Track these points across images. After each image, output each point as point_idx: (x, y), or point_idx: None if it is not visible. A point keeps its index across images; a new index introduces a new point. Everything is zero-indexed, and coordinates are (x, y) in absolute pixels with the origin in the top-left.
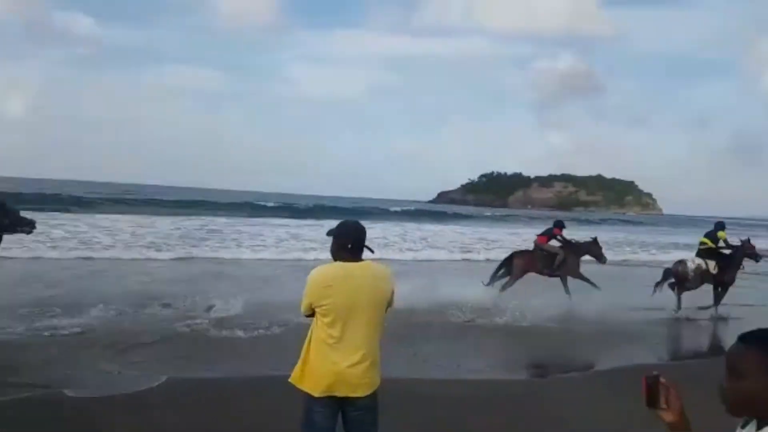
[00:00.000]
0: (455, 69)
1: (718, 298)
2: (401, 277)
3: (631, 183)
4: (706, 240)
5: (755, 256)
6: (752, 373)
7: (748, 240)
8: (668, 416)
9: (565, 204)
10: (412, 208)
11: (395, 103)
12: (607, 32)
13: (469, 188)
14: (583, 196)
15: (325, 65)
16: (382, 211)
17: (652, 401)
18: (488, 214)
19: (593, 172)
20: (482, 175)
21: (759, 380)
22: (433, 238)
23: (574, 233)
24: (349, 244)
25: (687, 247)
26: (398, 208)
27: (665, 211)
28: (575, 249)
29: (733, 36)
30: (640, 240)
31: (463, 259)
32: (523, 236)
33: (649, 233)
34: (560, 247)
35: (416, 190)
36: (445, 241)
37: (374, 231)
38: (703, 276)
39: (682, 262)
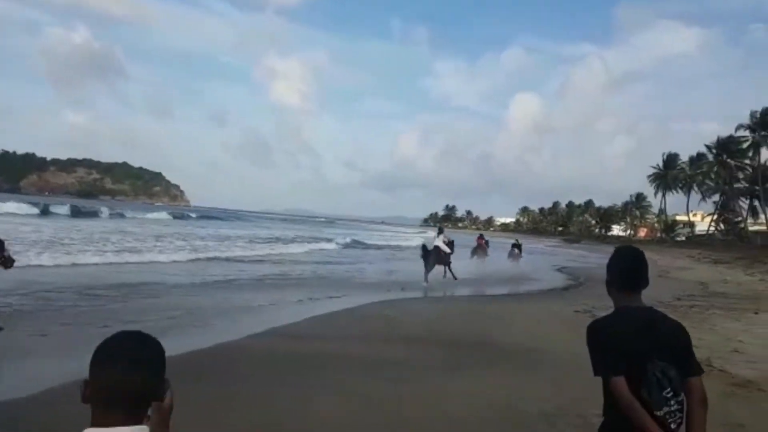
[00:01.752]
0: None
1: None
2: None
3: (159, 174)
4: None
5: None
6: None
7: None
8: None
9: (89, 191)
10: None
11: None
12: (126, 13)
13: None
14: (109, 183)
15: None
16: None
17: None
18: None
19: (119, 160)
20: None
21: None
22: None
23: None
24: None
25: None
26: None
27: (193, 203)
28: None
29: (247, 46)
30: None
31: None
32: None
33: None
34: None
35: None
36: None
37: None
38: None
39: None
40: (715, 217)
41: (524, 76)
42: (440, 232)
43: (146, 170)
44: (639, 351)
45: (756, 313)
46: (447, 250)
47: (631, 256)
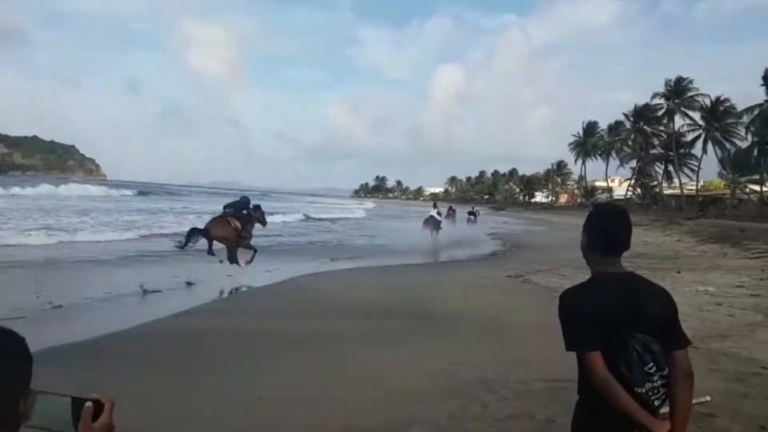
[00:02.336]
0: None
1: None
2: None
3: (72, 147)
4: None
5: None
6: None
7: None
8: None
9: None
10: None
11: None
12: None
13: None
14: (18, 159)
15: None
16: None
17: None
18: None
19: (29, 133)
20: None
21: None
22: None
23: None
24: None
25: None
26: None
27: (110, 177)
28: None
29: (162, 11)
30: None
31: None
32: None
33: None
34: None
35: None
36: None
37: None
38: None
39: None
40: (632, 182)
41: (450, 46)
42: (434, 206)
43: (58, 144)
44: (617, 323)
45: (678, 272)
46: (438, 218)
47: (614, 215)
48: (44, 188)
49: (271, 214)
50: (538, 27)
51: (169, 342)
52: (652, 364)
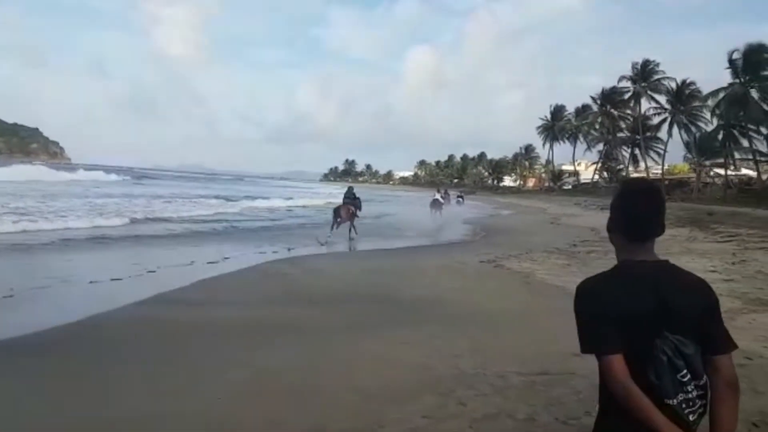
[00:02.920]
0: None
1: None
2: None
3: (36, 129)
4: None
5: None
6: None
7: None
8: None
9: None
10: None
11: None
12: None
13: None
14: None
15: None
16: None
17: None
18: None
19: None
20: None
21: None
22: None
23: None
24: None
25: None
26: None
27: (74, 161)
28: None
29: None
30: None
31: None
32: None
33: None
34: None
35: None
36: None
37: None
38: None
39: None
40: (599, 165)
41: (419, 27)
42: (438, 191)
43: (22, 126)
44: (645, 321)
45: None
46: (441, 201)
47: (642, 192)
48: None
49: (251, 198)
50: (508, 10)
51: (125, 333)
52: (685, 371)
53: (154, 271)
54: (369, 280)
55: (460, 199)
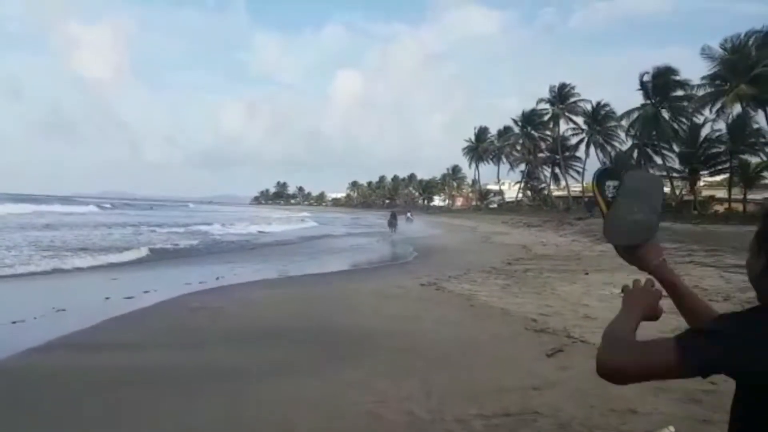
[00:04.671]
0: None
1: None
2: None
3: None
4: None
5: None
6: None
7: None
8: None
9: None
10: None
11: None
12: None
13: None
14: None
15: None
16: None
17: None
18: None
19: None
20: None
21: None
22: None
23: None
24: None
25: None
26: None
27: None
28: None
29: (39, 12)
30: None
31: None
32: None
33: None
34: None
35: None
36: None
37: None
38: None
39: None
40: (523, 185)
41: (345, 52)
42: (391, 213)
43: None
44: None
45: (587, 274)
46: (395, 220)
47: None
48: None
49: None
50: (429, 36)
51: (9, 387)
52: None
53: (65, 310)
54: (304, 311)
55: (410, 216)
